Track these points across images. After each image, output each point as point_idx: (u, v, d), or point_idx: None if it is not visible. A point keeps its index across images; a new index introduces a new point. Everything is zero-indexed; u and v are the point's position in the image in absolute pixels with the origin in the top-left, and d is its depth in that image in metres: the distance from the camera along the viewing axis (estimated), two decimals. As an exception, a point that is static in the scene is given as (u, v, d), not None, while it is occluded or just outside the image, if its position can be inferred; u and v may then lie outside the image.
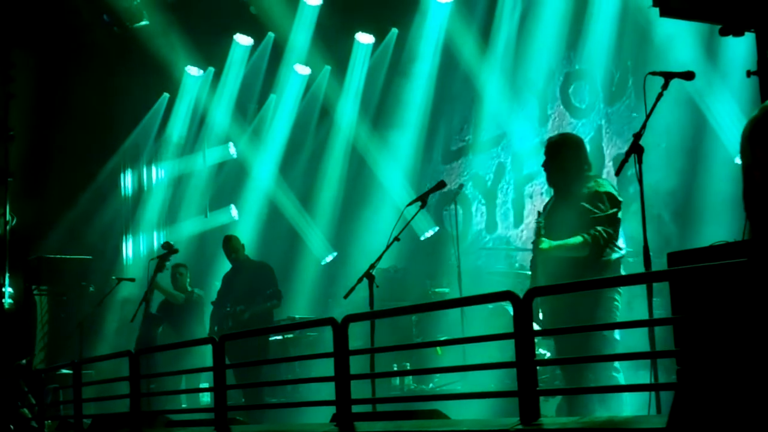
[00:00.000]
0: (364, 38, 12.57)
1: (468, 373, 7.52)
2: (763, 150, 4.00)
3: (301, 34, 12.34)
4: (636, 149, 5.31)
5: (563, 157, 6.21)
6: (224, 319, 9.73)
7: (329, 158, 13.13)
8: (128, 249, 14.49)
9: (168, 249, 9.83)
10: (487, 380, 7.43)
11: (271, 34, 12.97)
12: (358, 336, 5.90)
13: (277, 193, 13.45)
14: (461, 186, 10.89)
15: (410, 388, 9.38)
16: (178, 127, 14.27)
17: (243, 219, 13.74)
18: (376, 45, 12.63)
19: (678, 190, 9.50)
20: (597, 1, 10.30)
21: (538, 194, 11.10)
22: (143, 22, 12.55)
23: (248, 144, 13.87)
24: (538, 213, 6.32)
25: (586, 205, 6.00)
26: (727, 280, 3.45)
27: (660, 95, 5.39)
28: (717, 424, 3.34)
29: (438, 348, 8.83)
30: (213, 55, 13.34)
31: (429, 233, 11.99)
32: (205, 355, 9.63)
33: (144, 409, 7.15)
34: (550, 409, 7.14)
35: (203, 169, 14.20)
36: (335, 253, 12.97)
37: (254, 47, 13.24)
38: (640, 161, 5.30)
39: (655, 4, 5.84)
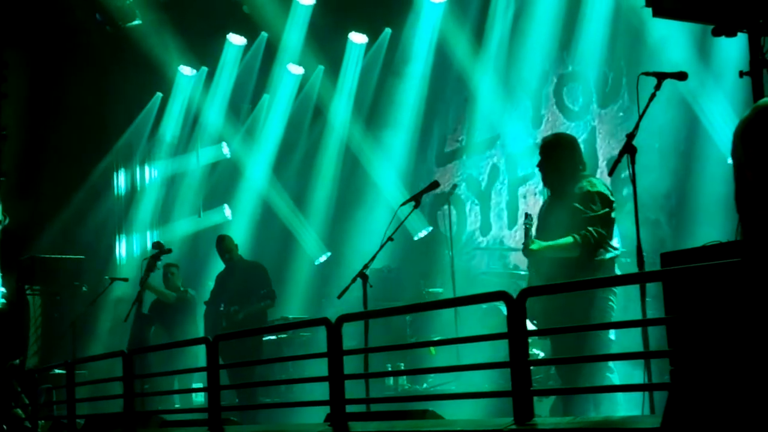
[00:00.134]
0: (358, 38, 12.57)
1: (462, 373, 7.53)
2: (755, 150, 4.01)
3: (295, 33, 12.34)
4: (629, 149, 5.33)
5: (558, 157, 6.22)
6: (218, 319, 9.72)
7: (323, 158, 13.12)
8: (121, 249, 14.47)
9: (159, 248, 9.80)
10: (481, 380, 7.44)
11: (264, 34, 12.96)
12: (351, 336, 5.91)
13: (271, 193, 13.44)
14: (455, 186, 10.90)
15: (404, 388, 9.38)
16: (171, 127, 14.26)
17: (236, 219, 13.72)
18: (369, 45, 12.63)
19: (671, 191, 9.52)
20: (590, 1, 10.31)
21: (533, 196, 11.12)
22: (136, 22, 12.54)
23: (241, 144, 13.85)
24: (526, 215, 6.33)
25: (578, 206, 6.01)
26: (720, 281, 3.46)
27: (653, 96, 5.40)
28: (711, 424, 3.35)
29: (432, 348, 8.83)
30: (206, 55, 13.33)
31: (423, 233, 11.99)
32: (198, 355, 9.67)
33: (138, 410, 7.14)
34: (544, 409, 7.14)
35: (196, 169, 14.18)
36: (329, 253, 12.96)
37: (247, 47, 13.24)
38: (633, 161, 5.31)
39: (647, 5, 5.85)
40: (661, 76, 5.45)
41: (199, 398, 10.79)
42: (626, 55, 10.15)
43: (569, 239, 5.94)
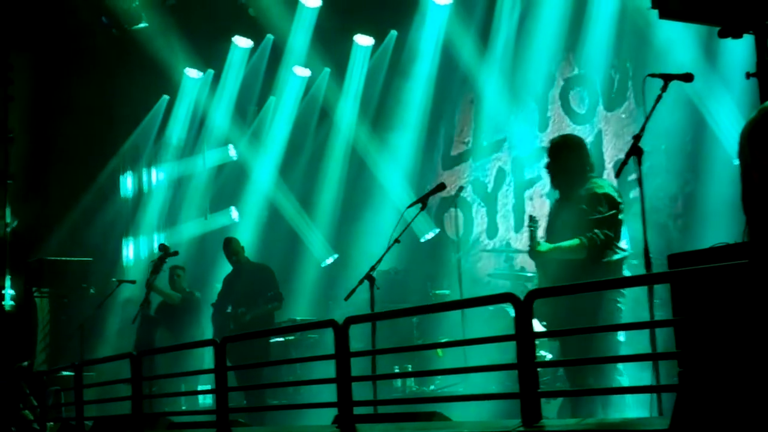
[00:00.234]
0: (364, 40, 12.57)
1: (469, 375, 7.53)
2: (761, 151, 4.01)
3: (300, 36, 12.34)
4: (636, 151, 5.33)
5: (565, 158, 6.22)
6: (225, 322, 9.74)
7: (329, 160, 13.12)
8: (129, 251, 14.51)
9: (164, 251, 9.82)
10: (489, 382, 7.44)
11: (270, 36, 12.98)
12: (359, 338, 5.91)
13: (277, 195, 13.45)
14: (461, 188, 10.90)
15: (411, 389, 9.38)
16: (177, 130, 14.29)
17: (243, 221, 13.74)
18: (375, 47, 12.63)
19: (678, 193, 9.51)
20: (596, 3, 10.30)
21: (539, 198, 11.10)
22: (142, 24, 12.57)
23: (248, 146, 13.87)
24: (530, 218, 6.33)
25: (585, 208, 6.01)
26: (728, 282, 3.46)
27: (659, 97, 5.40)
28: (719, 425, 3.35)
29: (439, 350, 8.84)
30: (212, 57, 13.35)
31: (429, 235, 11.99)
32: (204, 356, 9.69)
33: (145, 411, 7.15)
34: (551, 411, 7.14)
35: (203, 171, 14.20)
36: (336, 255, 12.97)
37: (253, 49, 13.25)
38: (639, 163, 5.31)
39: (654, 6, 5.85)
40: (667, 78, 5.45)
41: (207, 400, 10.81)
42: (632, 56, 10.13)
43: (575, 241, 5.95)
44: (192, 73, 13.66)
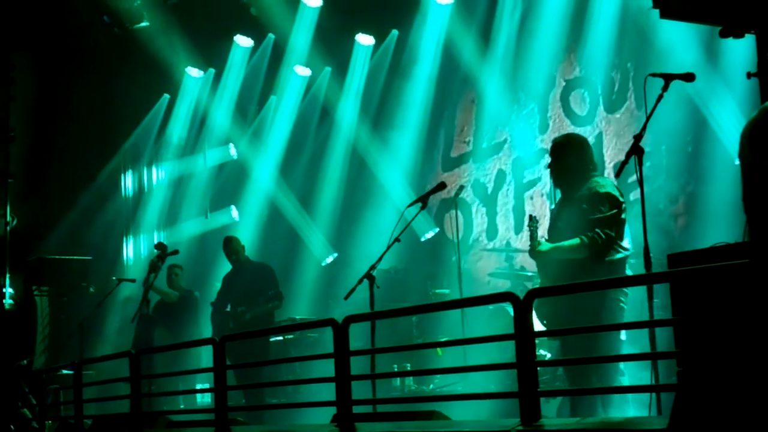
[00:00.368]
0: (365, 39, 12.57)
1: (468, 374, 7.53)
2: (762, 151, 4.01)
3: (302, 35, 12.34)
4: (636, 151, 5.31)
5: (567, 157, 6.21)
6: (225, 320, 9.73)
7: (330, 159, 13.13)
8: (129, 250, 14.51)
9: (161, 250, 9.80)
10: (488, 381, 7.44)
11: (271, 36, 12.97)
12: (358, 337, 5.90)
13: (278, 194, 13.46)
14: (461, 188, 10.89)
15: (411, 388, 9.38)
16: (178, 129, 14.28)
17: (243, 220, 13.74)
18: (376, 46, 12.63)
19: (679, 193, 9.51)
20: (597, 3, 10.29)
21: (539, 197, 11.09)
22: (143, 24, 12.56)
23: (249, 145, 13.87)
24: (530, 217, 6.32)
25: (586, 207, 6.00)
26: (728, 282, 3.45)
27: (660, 97, 5.39)
28: (718, 425, 3.35)
29: (438, 349, 8.83)
30: (213, 57, 13.35)
31: (429, 234, 12.00)
32: (201, 355, 9.69)
33: (144, 410, 7.15)
34: (550, 410, 7.14)
35: (204, 170, 14.21)
36: (336, 254, 12.97)
37: (254, 48, 13.24)
38: (640, 163, 5.30)
39: (655, 6, 5.85)
40: (668, 78, 5.44)
41: (205, 399, 10.81)
42: (633, 56, 10.12)
43: (576, 240, 5.94)
44: (193, 72, 13.66)
